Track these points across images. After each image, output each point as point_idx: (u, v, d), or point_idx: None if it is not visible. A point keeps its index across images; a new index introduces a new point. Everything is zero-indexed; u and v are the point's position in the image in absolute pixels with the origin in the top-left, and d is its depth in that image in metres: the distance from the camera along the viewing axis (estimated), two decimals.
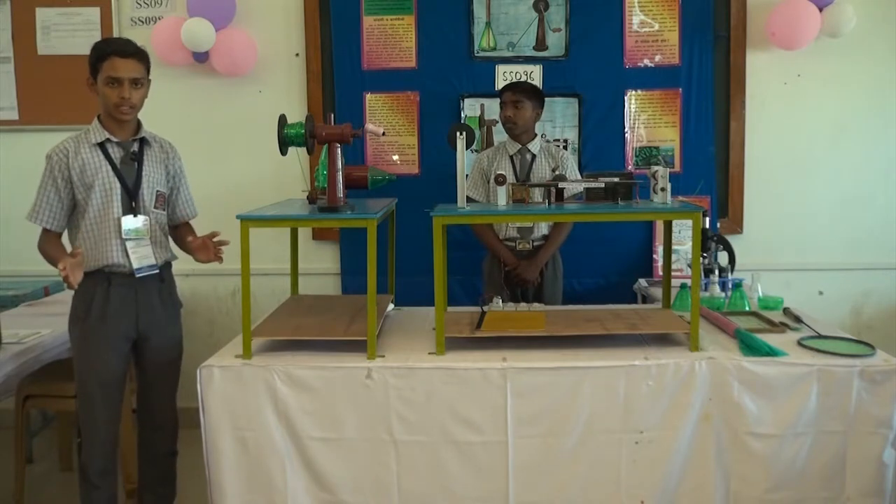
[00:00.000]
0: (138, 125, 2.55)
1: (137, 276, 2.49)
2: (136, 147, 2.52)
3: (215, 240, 2.55)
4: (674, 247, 3.13)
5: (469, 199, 2.94)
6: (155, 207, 2.55)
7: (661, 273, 3.18)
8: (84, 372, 2.49)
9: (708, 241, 3.13)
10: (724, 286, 3.04)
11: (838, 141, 3.82)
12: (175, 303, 2.69)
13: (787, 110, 3.81)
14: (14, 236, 3.86)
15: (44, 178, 2.44)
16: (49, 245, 2.48)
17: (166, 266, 2.61)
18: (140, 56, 2.46)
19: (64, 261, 2.27)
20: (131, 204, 2.48)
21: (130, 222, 2.47)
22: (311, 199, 2.73)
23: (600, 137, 3.75)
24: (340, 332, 2.46)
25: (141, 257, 2.49)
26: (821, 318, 2.82)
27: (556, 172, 3.21)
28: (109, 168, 2.46)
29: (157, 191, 2.56)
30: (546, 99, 3.40)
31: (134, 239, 2.48)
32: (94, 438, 2.49)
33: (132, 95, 2.42)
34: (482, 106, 3.76)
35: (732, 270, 3.19)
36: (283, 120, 2.55)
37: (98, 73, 2.41)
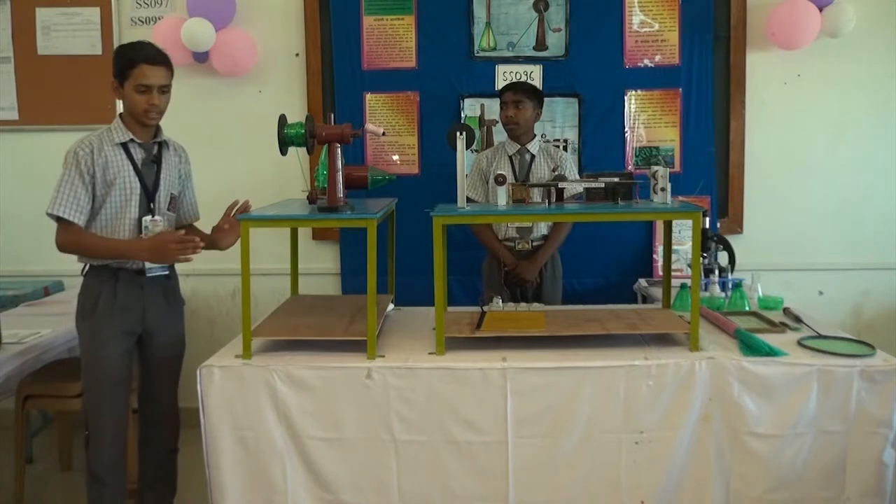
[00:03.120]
0: (157, 127, 2.58)
1: (148, 275, 2.53)
2: (155, 149, 2.56)
3: (237, 208, 2.62)
4: (674, 247, 3.12)
5: (468, 200, 2.94)
6: (168, 209, 2.59)
7: (661, 273, 3.18)
8: (92, 367, 2.50)
9: (708, 241, 3.13)
10: (724, 286, 3.04)
11: (838, 141, 3.83)
12: (179, 300, 2.72)
13: (787, 110, 3.82)
14: (14, 236, 3.86)
15: (68, 171, 2.42)
16: (85, 236, 2.45)
17: (172, 265, 2.64)
18: (168, 63, 2.50)
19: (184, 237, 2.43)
20: (149, 205, 2.51)
21: (150, 224, 2.49)
22: (311, 199, 2.72)
23: (600, 137, 3.75)
24: (340, 332, 2.45)
25: None
26: (821, 318, 2.81)
27: (556, 173, 3.21)
28: (131, 168, 2.49)
29: (172, 193, 2.61)
30: (546, 99, 3.40)
31: None
32: (102, 434, 2.50)
33: (160, 102, 2.48)
34: (482, 106, 3.76)
35: (732, 270, 3.19)
36: (283, 120, 2.55)
37: (126, 79, 2.44)
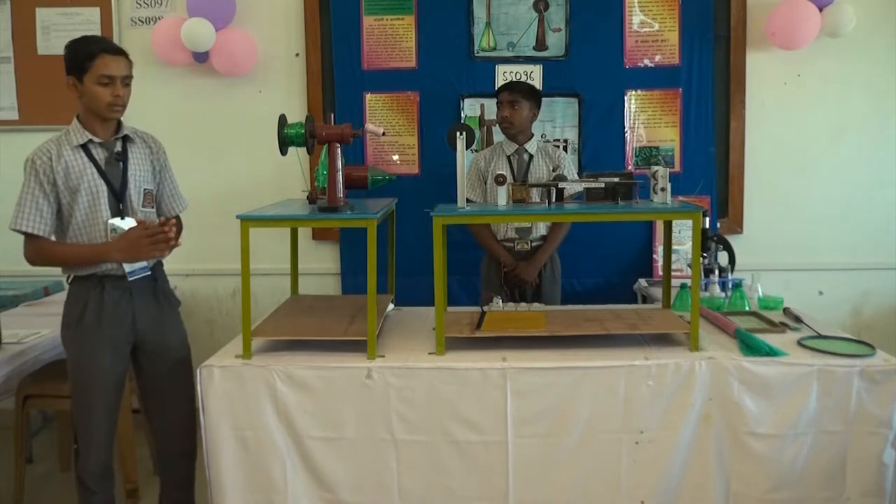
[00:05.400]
0: (118, 123, 2.48)
1: (130, 279, 2.44)
2: (119, 146, 2.47)
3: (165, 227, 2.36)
4: (674, 247, 3.12)
5: (466, 200, 2.94)
6: (143, 206, 2.49)
7: (661, 273, 3.18)
8: (80, 377, 2.43)
9: (708, 241, 3.13)
10: (724, 286, 3.04)
11: (838, 141, 3.82)
12: (172, 301, 2.63)
13: (787, 110, 3.81)
14: (14, 236, 3.82)
15: (28, 183, 2.35)
16: (52, 247, 2.38)
17: (158, 266, 2.57)
18: (126, 54, 2.43)
19: (152, 226, 2.31)
20: (119, 206, 2.42)
21: (118, 224, 2.40)
22: (311, 199, 2.72)
23: (600, 137, 3.75)
24: (340, 332, 2.45)
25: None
26: (821, 318, 2.81)
27: (556, 172, 3.20)
28: (94, 170, 2.39)
29: (145, 189, 2.51)
30: (546, 99, 3.40)
31: None
32: (91, 443, 2.44)
33: (124, 94, 2.40)
34: (482, 106, 3.76)
35: (732, 270, 3.19)
36: (283, 120, 2.55)
37: (86, 71, 2.34)
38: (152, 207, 2.55)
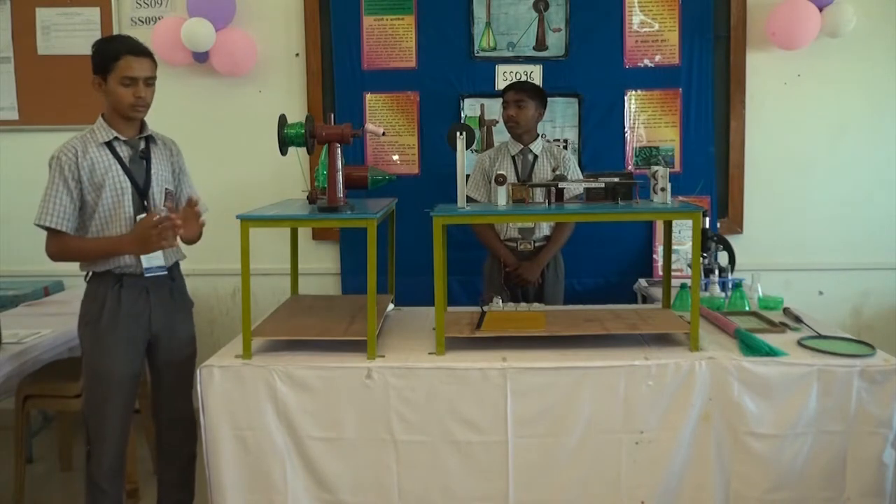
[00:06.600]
0: (142, 123, 2.52)
1: (146, 275, 2.47)
2: (143, 145, 2.51)
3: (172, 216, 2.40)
4: (674, 247, 3.12)
5: (470, 200, 2.94)
6: (164, 205, 2.52)
7: (661, 273, 3.18)
8: (97, 375, 2.43)
9: (708, 241, 3.13)
10: (724, 286, 3.04)
11: (838, 141, 3.83)
12: (186, 302, 2.67)
13: (787, 110, 3.81)
14: (14, 236, 3.86)
15: (53, 179, 2.37)
16: (72, 241, 2.39)
17: (175, 265, 2.59)
18: (151, 55, 2.47)
19: (163, 218, 2.32)
20: (143, 203, 2.46)
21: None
22: (311, 199, 2.72)
23: (600, 137, 3.75)
24: (340, 332, 2.45)
25: (150, 257, 2.45)
26: (821, 318, 2.81)
27: (557, 172, 3.20)
28: (119, 167, 2.43)
29: (166, 189, 2.55)
30: None
31: None
32: (106, 442, 2.44)
33: (146, 94, 2.43)
34: (482, 106, 3.76)
35: (732, 270, 3.19)
36: (283, 120, 2.55)
37: (110, 72, 2.38)
38: (173, 208, 2.56)
